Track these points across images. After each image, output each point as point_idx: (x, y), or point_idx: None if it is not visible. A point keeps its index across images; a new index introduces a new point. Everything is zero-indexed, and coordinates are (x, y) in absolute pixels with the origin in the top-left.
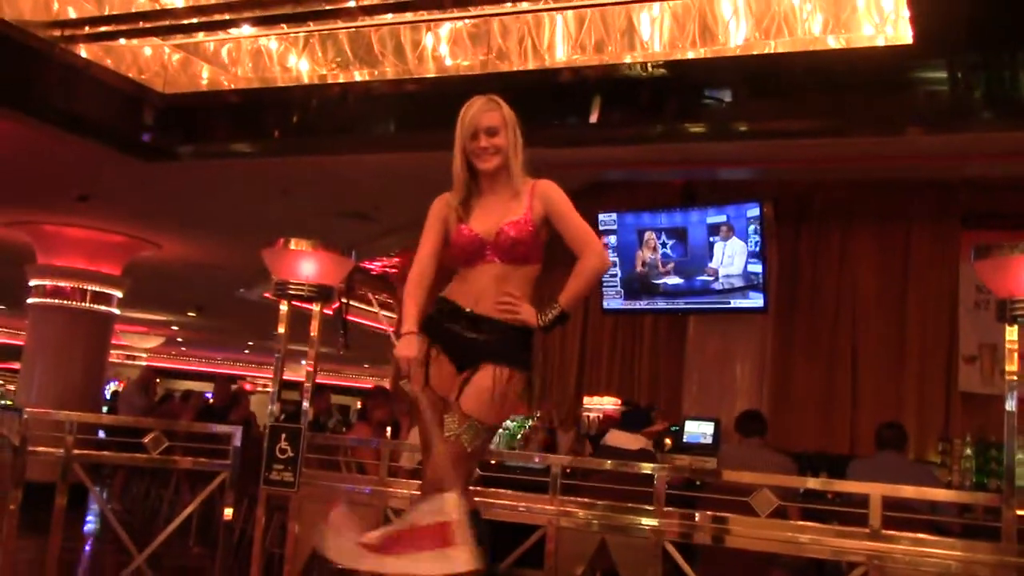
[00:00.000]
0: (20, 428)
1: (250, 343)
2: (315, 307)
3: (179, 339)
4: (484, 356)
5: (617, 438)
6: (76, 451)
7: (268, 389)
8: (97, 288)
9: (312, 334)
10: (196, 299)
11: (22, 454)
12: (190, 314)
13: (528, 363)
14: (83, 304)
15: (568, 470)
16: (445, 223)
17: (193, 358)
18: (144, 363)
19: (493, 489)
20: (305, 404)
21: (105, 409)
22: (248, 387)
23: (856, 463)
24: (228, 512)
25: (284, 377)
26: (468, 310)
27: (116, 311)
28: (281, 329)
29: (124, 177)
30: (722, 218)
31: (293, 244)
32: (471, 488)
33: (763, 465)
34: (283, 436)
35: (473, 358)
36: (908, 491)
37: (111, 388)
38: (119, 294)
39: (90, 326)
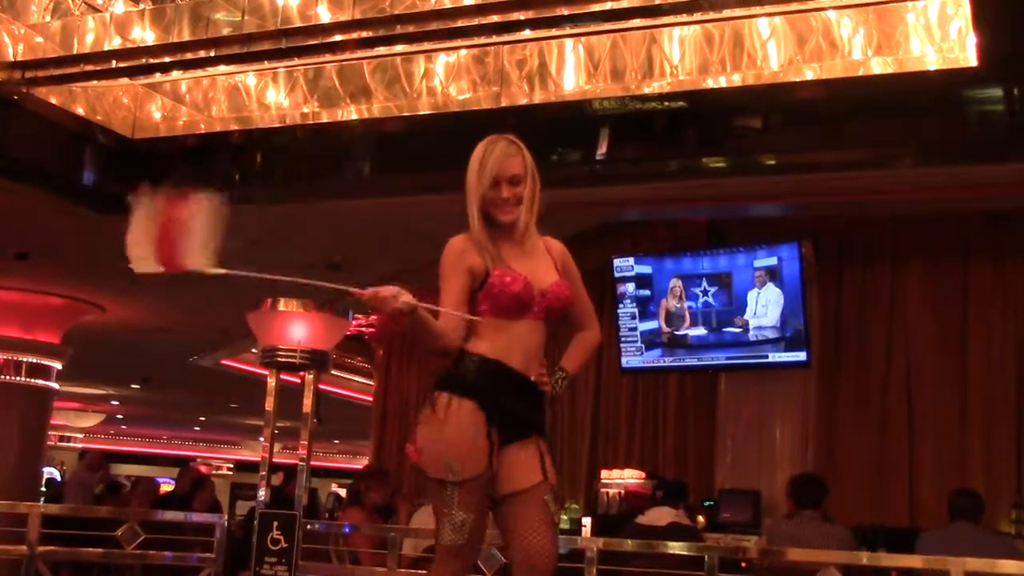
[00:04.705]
0: None
1: (202, 418)
2: (308, 376)
3: (120, 416)
4: (537, 428)
5: (661, 515)
6: (41, 548)
7: (223, 472)
8: (34, 359)
9: (305, 410)
10: (142, 369)
11: None
12: (134, 386)
13: None
14: (18, 378)
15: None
16: (472, 270)
17: (135, 437)
18: (80, 445)
19: None
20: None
21: (42, 500)
22: (203, 469)
23: (927, 536)
24: None
25: (240, 457)
26: (525, 376)
27: (55, 385)
28: (269, 405)
29: (70, 231)
30: (772, 260)
31: (282, 304)
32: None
33: (822, 542)
34: (275, 524)
35: (525, 430)
36: (997, 565)
37: (46, 475)
38: (58, 366)
39: (26, 403)
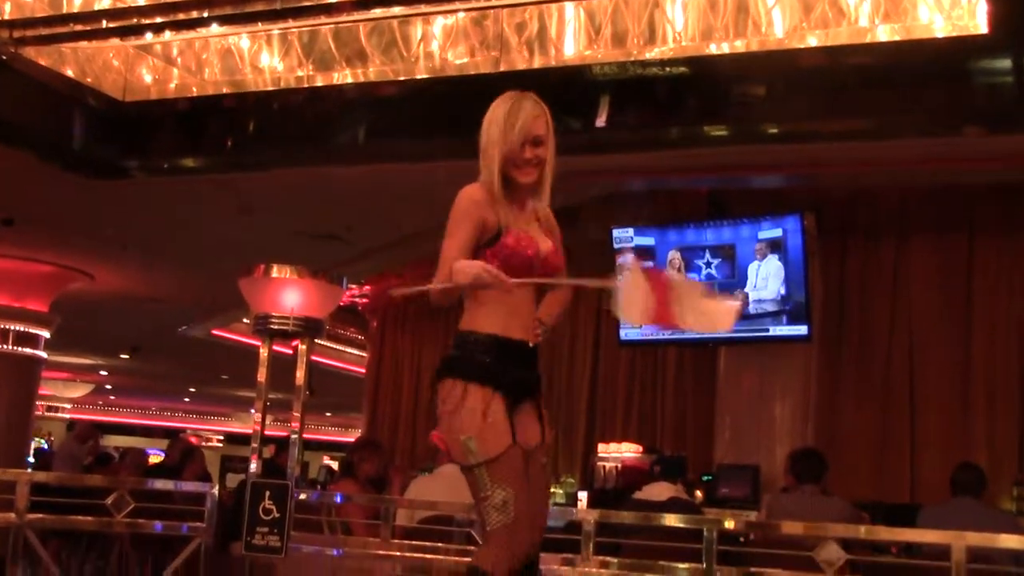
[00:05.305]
0: None
1: (191, 389)
2: (301, 346)
3: (108, 386)
4: (537, 388)
5: (660, 490)
6: (29, 516)
7: (213, 444)
8: (21, 328)
9: (298, 382)
10: (131, 339)
11: None
12: (123, 356)
13: None
14: (5, 347)
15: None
16: (484, 223)
17: (124, 408)
18: (68, 415)
19: None
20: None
21: (29, 470)
22: (193, 441)
23: (928, 511)
24: None
25: (231, 429)
26: (526, 343)
27: (43, 354)
28: (262, 375)
29: (59, 196)
30: (777, 232)
31: (275, 271)
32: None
33: (823, 516)
34: (267, 494)
35: (528, 392)
36: (997, 539)
37: (34, 444)
38: (46, 334)
39: (13, 372)
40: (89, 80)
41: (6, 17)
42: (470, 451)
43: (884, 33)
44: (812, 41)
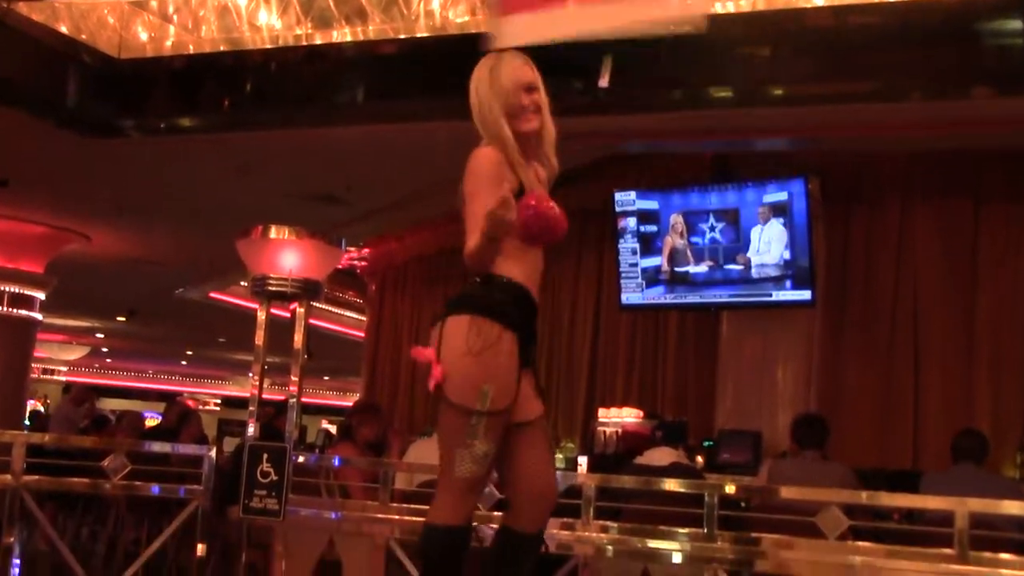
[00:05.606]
0: None
1: (189, 353)
2: (299, 309)
3: (105, 349)
4: (533, 354)
5: (661, 455)
6: (26, 478)
7: (211, 408)
8: (16, 289)
9: (296, 346)
10: (128, 301)
11: None
12: (120, 319)
13: None
14: (0, 308)
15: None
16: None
17: (120, 371)
18: (64, 378)
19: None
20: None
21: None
22: (190, 404)
23: (930, 477)
24: (200, 548)
25: (228, 393)
26: (536, 305)
27: (39, 316)
28: (259, 339)
29: (53, 155)
30: (782, 195)
31: (273, 232)
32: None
33: (824, 481)
34: (265, 457)
35: (530, 357)
36: (1000, 506)
37: (29, 407)
38: (42, 296)
39: (9, 334)
40: (83, 37)
41: None
42: (485, 397)
43: None
44: (818, 0)
